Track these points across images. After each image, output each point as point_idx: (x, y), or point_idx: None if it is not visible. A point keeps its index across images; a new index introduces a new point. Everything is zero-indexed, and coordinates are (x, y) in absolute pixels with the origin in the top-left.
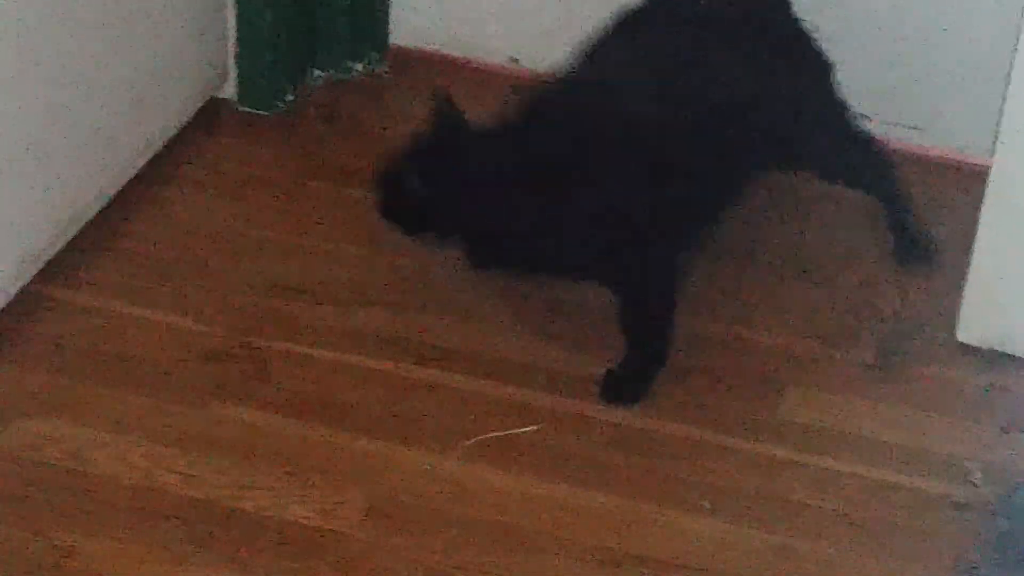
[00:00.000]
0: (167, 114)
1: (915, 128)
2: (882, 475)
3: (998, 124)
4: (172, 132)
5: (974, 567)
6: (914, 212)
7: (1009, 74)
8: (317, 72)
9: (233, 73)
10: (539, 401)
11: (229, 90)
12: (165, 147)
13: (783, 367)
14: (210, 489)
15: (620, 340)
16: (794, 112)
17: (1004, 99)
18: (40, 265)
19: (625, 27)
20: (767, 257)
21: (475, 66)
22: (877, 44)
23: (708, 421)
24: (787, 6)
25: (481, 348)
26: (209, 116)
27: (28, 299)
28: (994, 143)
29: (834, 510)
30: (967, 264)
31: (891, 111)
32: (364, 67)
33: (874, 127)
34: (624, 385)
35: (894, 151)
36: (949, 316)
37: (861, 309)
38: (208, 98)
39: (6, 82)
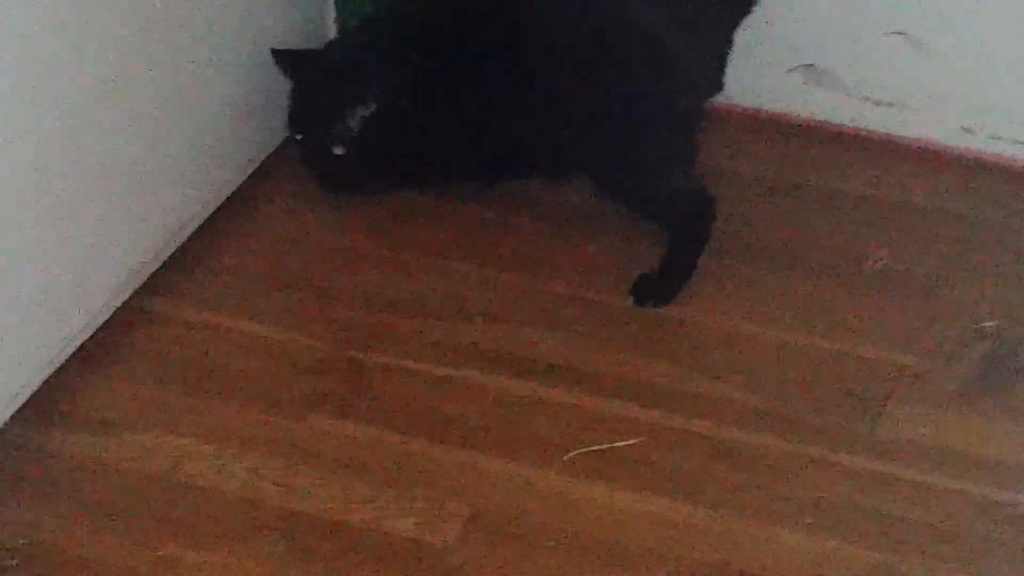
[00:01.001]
0: (266, 130)
1: (1021, 143)
2: (985, 491)
3: None
4: (272, 148)
5: None
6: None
7: None
8: None
9: None
10: (640, 415)
11: None
12: (265, 162)
13: (885, 382)
14: (311, 502)
15: (724, 354)
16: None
17: None
18: (143, 279)
19: None
20: (866, 272)
21: None
22: (981, 57)
23: (809, 435)
24: None
25: (582, 362)
26: None
27: (131, 312)
28: None
29: (936, 527)
30: None
31: (998, 125)
32: None
33: (979, 140)
34: (654, 286)
35: (1000, 166)
36: None
37: (963, 324)
38: None
39: (106, 98)
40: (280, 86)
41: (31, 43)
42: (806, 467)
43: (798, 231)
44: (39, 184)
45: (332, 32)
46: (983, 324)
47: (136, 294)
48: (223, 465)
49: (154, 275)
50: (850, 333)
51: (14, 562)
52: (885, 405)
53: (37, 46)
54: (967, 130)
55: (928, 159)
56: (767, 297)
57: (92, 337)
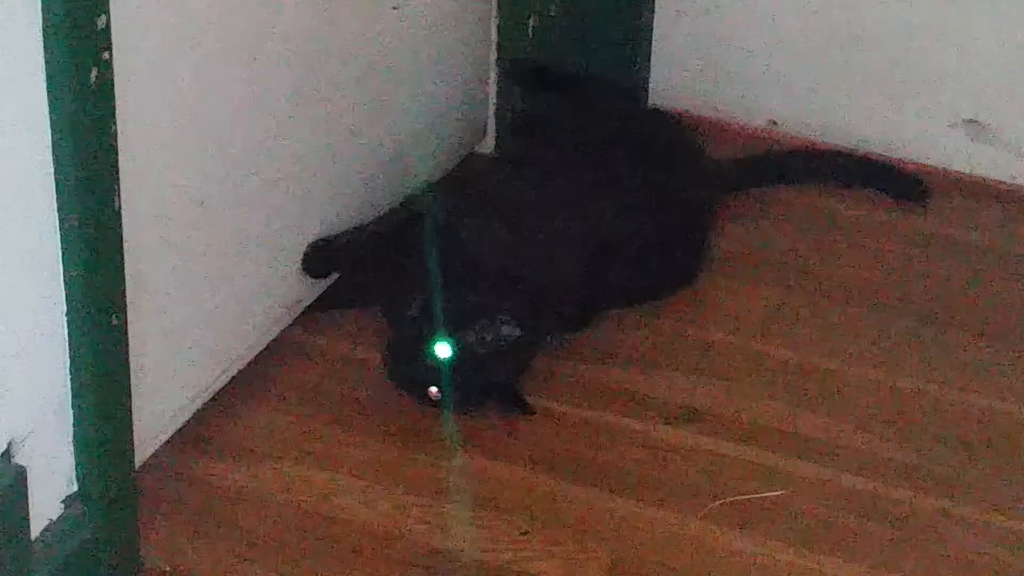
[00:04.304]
0: (428, 167)
1: None
2: None
3: None
4: (433, 183)
5: None
6: None
7: None
8: None
9: (492, 130)
10: (788, 466)
11: (488, 145)
12: None
13: None
14: (455, 540)
15: (874, 408)
16: None
17: None
18: (298, 312)
19: None
20: None
21: (734, 128)
22: None
23: (962, 494)
24: None
25: (730, 410)
26: (466, 170)
27: (286, 345)
28: None
29: None
30: None
31: None
32: None
33: None
34: None
35: None
36: None
37: None
38: (467, 153)
39: (270, 146)
40: (445, 122)
41: (211, 87)
42: (957, 525)
43: (955, 287)
44: (207, 219)
45: (493, 78)
46: None
47: (292, 326)
48: (371, 500)
49: (309, 308)
50: (1006, 393)
51: None
52: None
53: (217, 91)
54: None
55: None
56: (922, 352)
57: (246, 368)
